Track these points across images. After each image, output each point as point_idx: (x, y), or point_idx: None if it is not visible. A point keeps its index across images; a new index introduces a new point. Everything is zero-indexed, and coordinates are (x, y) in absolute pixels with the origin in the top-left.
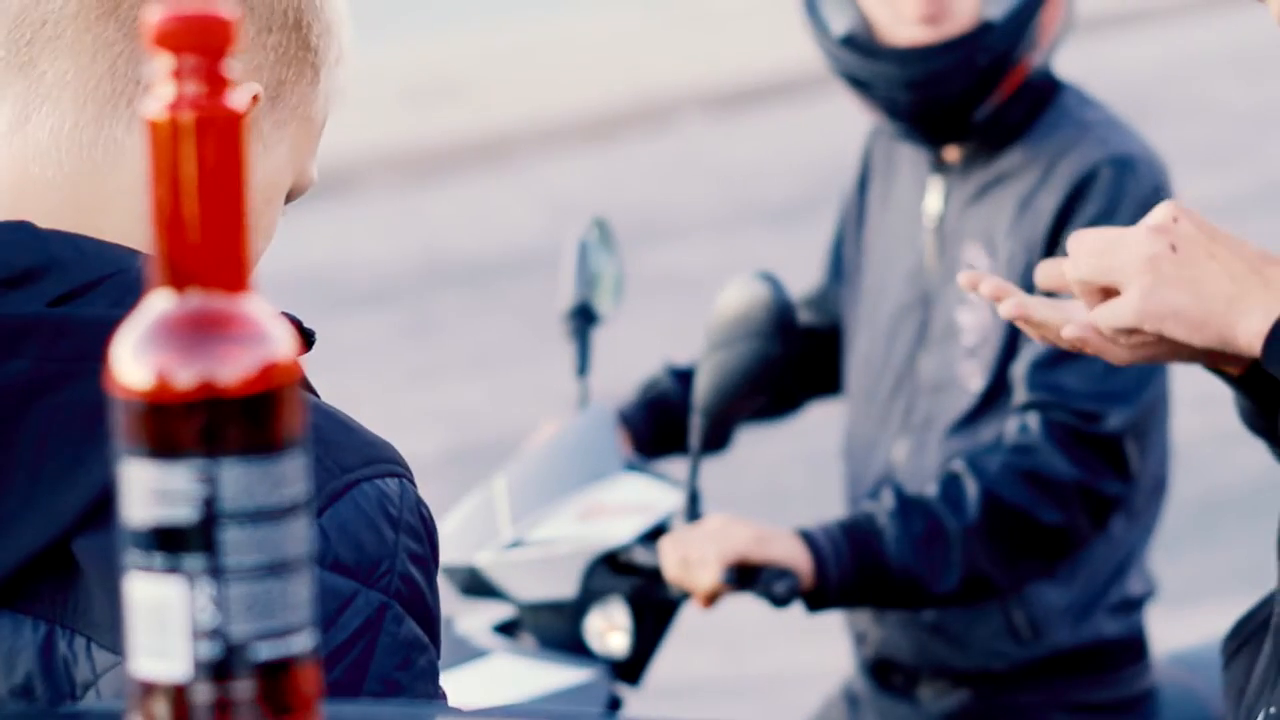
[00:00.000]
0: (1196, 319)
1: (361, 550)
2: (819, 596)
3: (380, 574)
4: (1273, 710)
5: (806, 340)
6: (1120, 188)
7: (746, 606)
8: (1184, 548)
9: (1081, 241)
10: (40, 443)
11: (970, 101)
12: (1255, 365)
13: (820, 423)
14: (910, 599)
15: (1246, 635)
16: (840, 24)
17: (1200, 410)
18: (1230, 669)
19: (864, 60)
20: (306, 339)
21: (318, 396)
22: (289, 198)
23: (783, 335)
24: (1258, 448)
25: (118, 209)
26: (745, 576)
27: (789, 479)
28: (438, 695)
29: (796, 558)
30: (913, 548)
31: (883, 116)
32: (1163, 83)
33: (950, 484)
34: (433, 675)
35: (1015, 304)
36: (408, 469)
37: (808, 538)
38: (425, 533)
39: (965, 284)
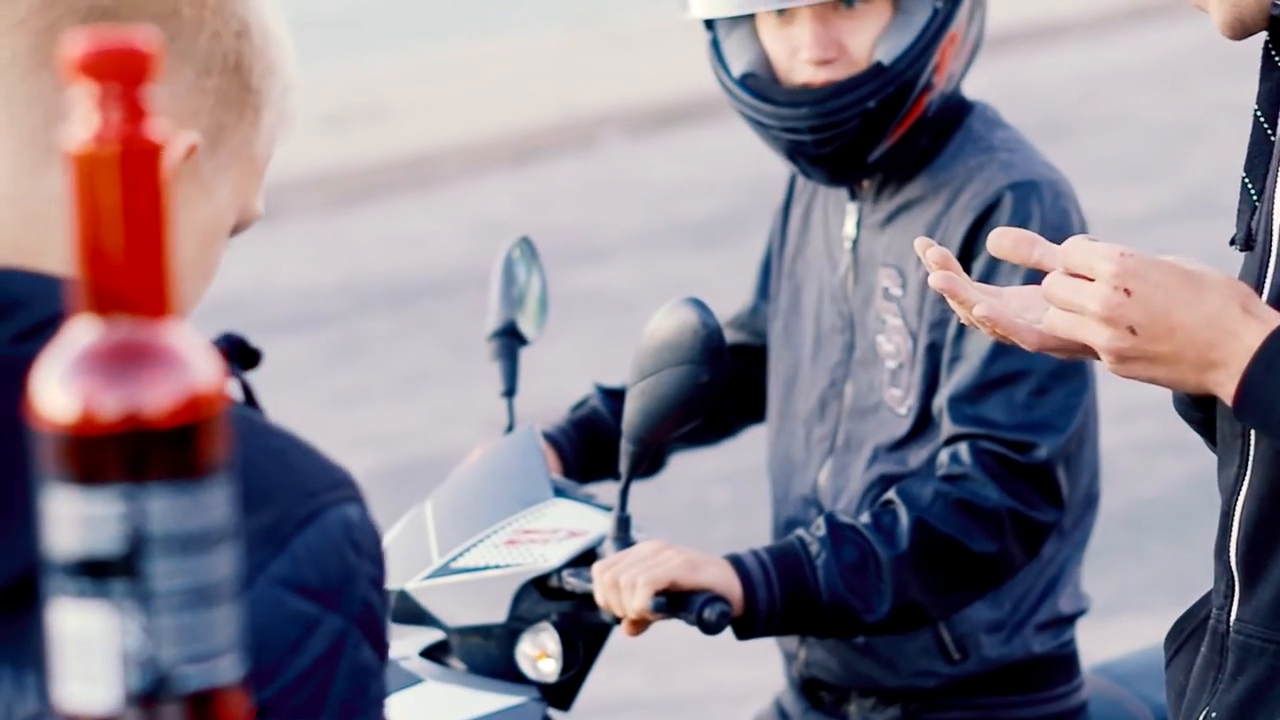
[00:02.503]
0: (1173, 383)
1: (327, 575)
2: (748, 624)
3: (344, 599)
4: (1212, 715)
5: (739, 359)
6: (1025, 213)
7: (676, 625)
8: (1107, 559)
9: (1050, 295)
10: (9, 478)
11: (864, 143)
12: None
13: (746, 441)
14: (841, 627)
15: (1187, 635)
16: (740, 63)
17: (1121, 423)
18: (1171, 668)
19: (759, 102)
20: (254, 357)
21: (267, 418)
22: (233, 231)
23: (712, 361)
24: (1178, 458)
25: (55, 257)
26: (675, 602)
27: (714, 497)
28: None
29: (727, 584)
30: (843, 576)
31: (781, 155)
32: (1082, 97)
33: (882, 512)
34: (381, 702)
35: (946, 277)
36: (361, 492)
37: (738, 564)
38: (380, 557)
39: (919, 248)
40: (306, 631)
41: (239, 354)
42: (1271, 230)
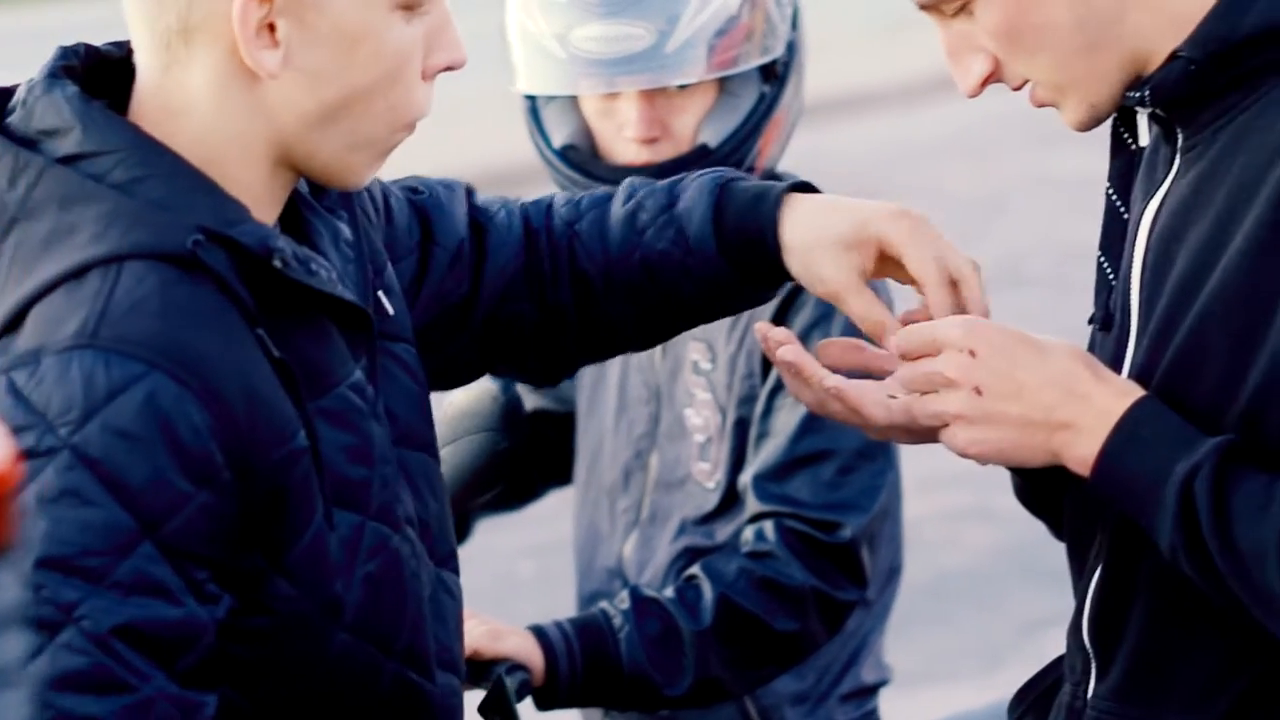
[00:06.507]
0: (1023, 454)
1: (49, 403)
2: (550, 694)
3: (61, 423)
4: None
5: (543, 426)
6: None
7: (479, 698)
8: (913, 629)
9: (904, 380)
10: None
11: None
12: None
13: (552, 513)
14: (642, 700)
15: (1032, 700)
16: (560, 134)
17: (927, 493)
18: None
19: (581, 177)
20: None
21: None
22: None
23: (511, 428)
24: (983, 527)
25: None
26: (476, 671)
27: (521, 570)
28: (70, 555)
29: (529, 654)
30: (646, 649)
31: None
32: (892, 166)
33: (686, 587)
34: (93, 533)
35: (795, 351)
36: (181, 375)
37: (540, 635)
38: (155, 425)
39: (759, 332)
40: (15, 429)
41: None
42: (1130, 309)
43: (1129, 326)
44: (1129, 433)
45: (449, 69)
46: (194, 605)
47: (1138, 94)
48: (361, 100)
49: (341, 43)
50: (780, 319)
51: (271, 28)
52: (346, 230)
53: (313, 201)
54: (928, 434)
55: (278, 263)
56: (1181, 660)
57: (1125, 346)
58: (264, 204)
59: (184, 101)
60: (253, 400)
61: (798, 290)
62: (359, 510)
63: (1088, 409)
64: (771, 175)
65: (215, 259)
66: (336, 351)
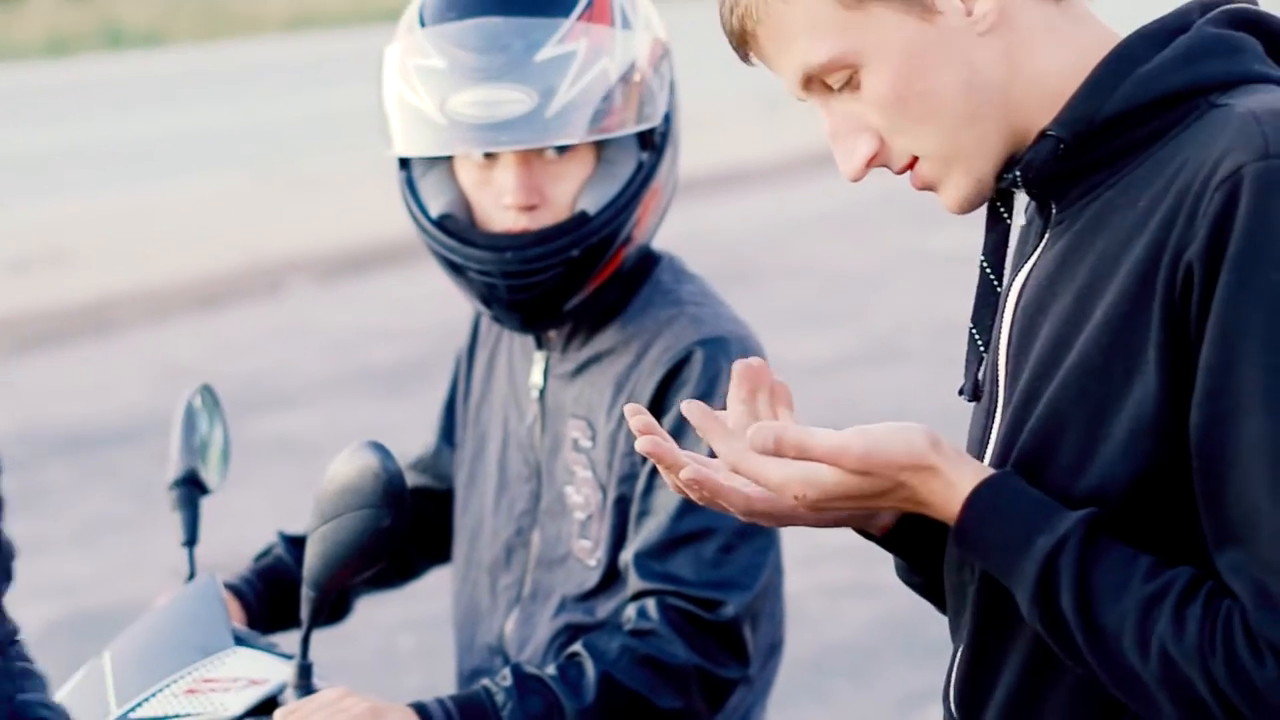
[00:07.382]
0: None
1: None
2: None
3: None
4: None
5: (422, 503)
6: (715, 369)
7: None
8: (793, 703)
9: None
10: None
11: (563, 292)
12: (898, 526)
13: (431, 587)
14: None
15: None
16: (437, 204)
17: (808, 568)
18: None
19: (458, 245)
20: None
21: None
22: None
23: (393, 505)
24: (864, 601)
25: None
26: None
27: (402, 644)
28: None
29: None
30: None
31: (475, 301)
32: (769, 243)
33: (568, 664)
34: None
35: (652, 442)
36: None
37: (423, 712)
38: None
39: (627, 414)
40: None
41: None
42: (998, 380)
43: (997, 397)
44: (986, 506)
45: None
46: None
47: (1011, 176)
48: None
49: None
50: (662, 394)
51: None
52: None
53: None
54: (791, 518)
55: None
56: None
57: (994, 418)
58: None
59: None
60: None
61: (681, 365)
62: None
63: (931, 509)
64: (647, 250)
65: None
66: None
